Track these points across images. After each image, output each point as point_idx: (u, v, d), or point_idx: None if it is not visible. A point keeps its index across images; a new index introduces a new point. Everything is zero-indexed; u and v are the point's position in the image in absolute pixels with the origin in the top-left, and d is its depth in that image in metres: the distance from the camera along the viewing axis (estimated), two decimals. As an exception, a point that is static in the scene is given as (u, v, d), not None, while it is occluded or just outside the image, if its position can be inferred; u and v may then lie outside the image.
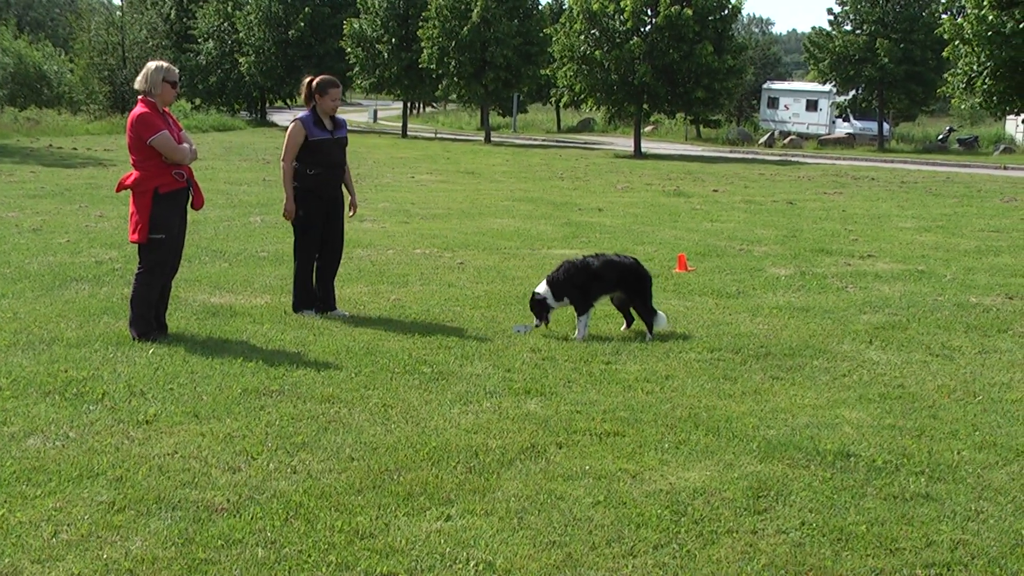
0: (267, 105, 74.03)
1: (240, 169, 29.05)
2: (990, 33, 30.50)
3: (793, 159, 44.35)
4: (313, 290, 10.43)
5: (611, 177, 30.65)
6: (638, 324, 10.15)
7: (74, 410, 7.11)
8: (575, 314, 9.91)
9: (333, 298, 10.57)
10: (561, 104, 64.38)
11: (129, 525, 5.33)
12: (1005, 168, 40.96)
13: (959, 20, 32.55)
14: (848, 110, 57.96)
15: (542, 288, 9.91)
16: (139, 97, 9.10)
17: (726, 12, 44.11)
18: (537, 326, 9.97)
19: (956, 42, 32.64)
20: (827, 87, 57.43)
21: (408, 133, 59.28)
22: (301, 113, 10.29)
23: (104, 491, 5.74)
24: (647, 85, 42.74)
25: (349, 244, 14.93)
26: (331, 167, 10.29)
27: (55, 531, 5.23)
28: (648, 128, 61.21)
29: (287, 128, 10.28)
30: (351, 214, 10.74)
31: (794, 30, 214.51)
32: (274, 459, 6.32)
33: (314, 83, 10.19)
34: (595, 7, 42.84)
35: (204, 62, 68.00)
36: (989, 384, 8.49)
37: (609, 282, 9.94)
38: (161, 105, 9.12)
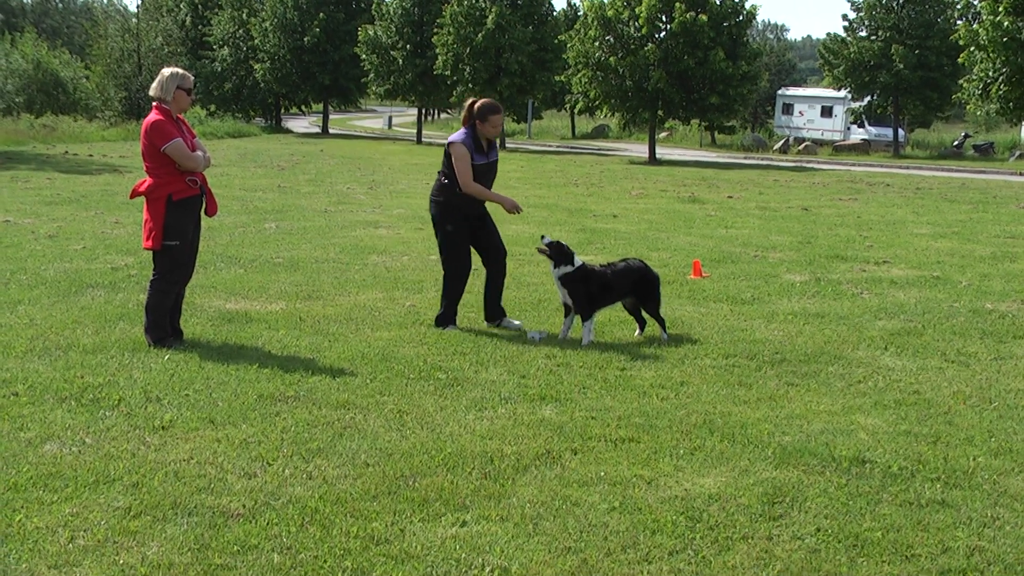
0: (282, 112, 74.16)
1: (255, 176, 29.11)
2: (1005, 39, 30.48)
3: (808, 165, 44.30)
4: (456, 309, 10.38)
5: (626, 183, 30.65)
6: (651, 329, 10.18)
7: (90, 416, 7.14)
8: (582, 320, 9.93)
9: (502, 308, 10.51)
10: (576, 110, 64.57)
11: (145, 531, 5.35)
12: (1021, 174, 40.83)
13: (974, 26, 32.52)
14: (863, 116, 57.87)
15: (578, 261, 9.86)
16: (153, 104, 9.13)
17: (741, 18, 44.07)
18: (543, 241, 9.95)
19: (971, 48, 32.61)
20: (842, 93, 57.37)
21: (423, 139, 59.33)
22: (457, 134, 10.08)
23: (120, 497, 5.76)
24: (662, 91, 42.75)
25: (364, 250, 15.02)
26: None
27: (72, 537, 5.25)
28: (663, 134, 61.23)
29: (449, 152, 10.01)
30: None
31: (809, 36, 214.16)
32: (290, 465, 6.33)
33: (476, 107, 10.00)
34: (610, 13, 42.89)
35: (219, 69, 68.11)
36: (1005, 390, 8.46)
37: (622, 290, 9.99)
38: (175, 112, 9.15)
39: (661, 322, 10.07)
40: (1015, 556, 5.33)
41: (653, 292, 10.08)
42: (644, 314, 10.20)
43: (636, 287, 10.03)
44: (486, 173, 10.20)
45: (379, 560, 5.09)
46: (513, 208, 10.24)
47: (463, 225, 10.21)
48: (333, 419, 7.22)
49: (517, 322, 10.45)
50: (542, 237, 10.09)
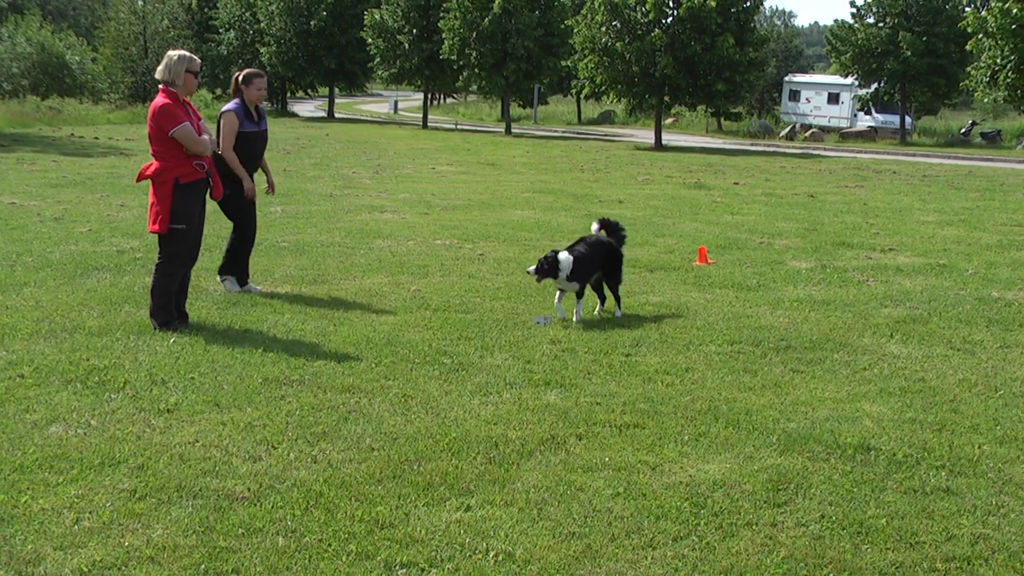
0: (288, 95, 74.06)
1: (261, 159, 29.02)
2: (1014, 26, 30.35)
3: (814, 152, 44.19)
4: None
5: (631, 169, 30.60)
6: (609, 303, 10.52)
7: (96, 398, 7.15)
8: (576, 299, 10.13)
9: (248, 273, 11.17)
10: (582, 96, 64.35)
11: (150, 513, 5.36)
12: (1028, 162, 40.70)
13: (982, 13, 32.36)
14: (870, 103, 57.71)
15: (565, 257, 9.94)
16: (160, 87, 9.12)
17: (748, 4, 43.77)
18: (530, 272, 10.10)
19: (979, 35, 32.46)
20: (849, 80, 57.17)
21: (429, 124, 59.23)
22: (229, 105, 10.66)
23: (126, 479, 5.77)
24: (668, 77, 42.57)
25: (369, 234, 15.05)
26: (254, 158, 10.82)
27: (77, 518, 5.26)
28: (669, 120, 61.10)
29: (218, 121, 10.56)
30: (270, 193, 11.48)
31: (816, 23, 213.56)
32: (294, 448, 6.34)
33: (240, 76, 10.66)
34: (617, -1, 42.73)
35: (225, 52, 68.03)
36: (1010, 378, 8.46)
37: (597, 263, 10.30)
38: (182, 95, 9.15)
39: (618, 299, 10.38)
40: (1019, 544, 5.33)
41: (618, 267, 10.42)
42: (606, 290, 10.50)
43: (605, 261, 10.31)
44: (257, 140, 10.81)
45: (383, 544, 5.10)
46: (249, 193, 10.64)
47: (237, 187, 10.62)
48: (338, 403, 7.23)
49: (259, 287, 11.08)
50: (528, 271, 10.28)
